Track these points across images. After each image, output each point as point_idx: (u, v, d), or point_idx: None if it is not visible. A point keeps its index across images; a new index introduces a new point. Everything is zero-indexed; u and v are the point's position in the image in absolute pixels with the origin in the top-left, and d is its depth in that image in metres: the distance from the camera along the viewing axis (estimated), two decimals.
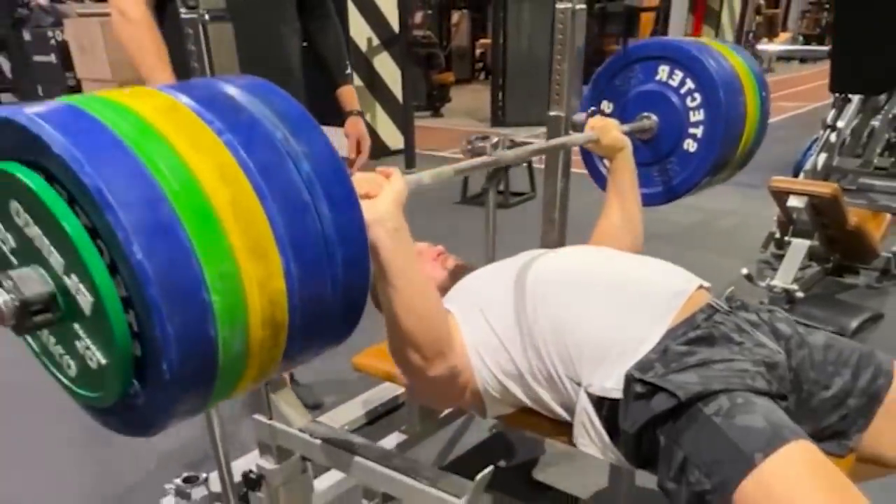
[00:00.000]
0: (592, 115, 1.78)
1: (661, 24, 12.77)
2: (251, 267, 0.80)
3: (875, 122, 4.21)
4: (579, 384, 1.31)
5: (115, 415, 0.89)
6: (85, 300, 0.76)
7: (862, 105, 4.09)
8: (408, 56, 7.27)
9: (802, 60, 15.71)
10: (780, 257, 3.59)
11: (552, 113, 1.99)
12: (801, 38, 16.95)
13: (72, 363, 0.86)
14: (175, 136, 0.78)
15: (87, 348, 0.82)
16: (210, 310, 0.77)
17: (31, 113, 0.75)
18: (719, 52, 1.85)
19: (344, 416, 2.37)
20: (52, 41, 7.16)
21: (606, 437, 1.28)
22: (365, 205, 1.12)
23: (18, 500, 2.34)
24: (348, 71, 2.55)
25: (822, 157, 3.97)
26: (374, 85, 7.34)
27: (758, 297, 3.18)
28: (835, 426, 1.34)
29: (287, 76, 2.28)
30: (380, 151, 7.51)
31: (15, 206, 0.78)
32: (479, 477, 1.32)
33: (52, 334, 0.87)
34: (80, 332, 0.81)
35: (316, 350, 0.96)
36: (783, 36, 15.83)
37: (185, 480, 2.02)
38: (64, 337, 0.84)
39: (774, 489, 1.03)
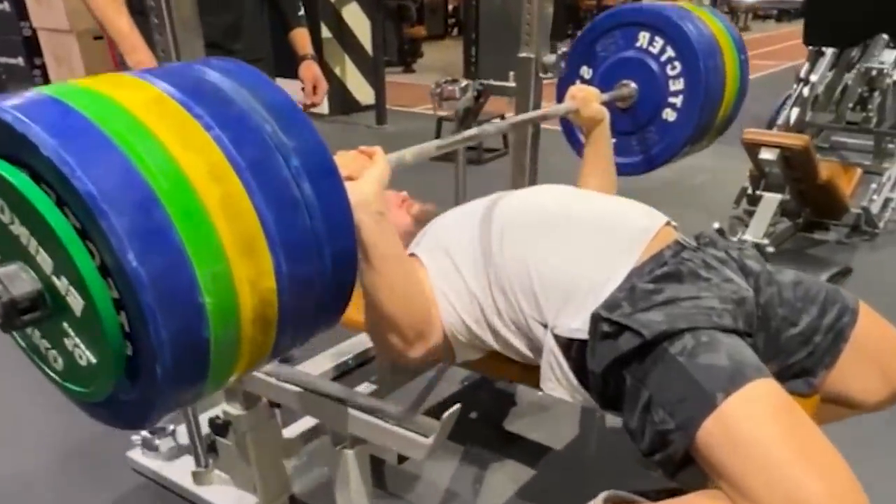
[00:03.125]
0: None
1: None
2: (242, 266, 0.79)
3: (849, 80, 4.23)
4: (545, 326, 1.29)
5: (104, 409, 0.89)
6: (75, 302, 0.76)
7: (836, 60, 4.11)
8: (378, 7, 7.09)
9: (778, 19, 15.69)
10: (752, 213, 3.63)
11: (522, 55, 1.97)
12: None
13: (59, 358, 0.86)
14: (165, 134, 0.76)
15: (77, 346, 0.81)
16: (203, 312, 0.76)
17: (15, 109, 0.73)
18: (700, 19, 1.84)
19: (313, 368, 2.38)
20: None
21: (574, 379, 1.27)
22: (349, 187, 1.12)
23: None
24: (301, 12, 2.49)
25: (795, 111, 4.00)
26: (343, 37, 7.16)
27: None
28: (802, 363, 1.34)
29: (242, 18, 2.25)
30: (350, 107, 7.36)
31: None
32: (445, 415, 1.32)
33: (39, 330, 0.86)
34: (69, 331, 0.80)
35: (303, 340, 0.97)
36: None
37: (152, 432, 2.03)
38: (52, 333, 0.84)
39: (735, 428, 1.02)
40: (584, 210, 1.40)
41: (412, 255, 1.42)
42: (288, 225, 0.83)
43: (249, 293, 0.81)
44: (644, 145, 1.91)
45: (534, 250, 1.31)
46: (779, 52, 11.23)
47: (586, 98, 1.67)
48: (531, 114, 1.58)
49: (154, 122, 0.77)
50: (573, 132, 2.01)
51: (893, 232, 3.94)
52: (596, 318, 1.20)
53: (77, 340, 0.81)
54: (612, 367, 1.17)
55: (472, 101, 2.05)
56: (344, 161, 1.15)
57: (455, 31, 13.68)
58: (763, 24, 15.58)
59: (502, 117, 5.47)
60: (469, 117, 2.20)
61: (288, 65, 2.41)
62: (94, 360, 0.80)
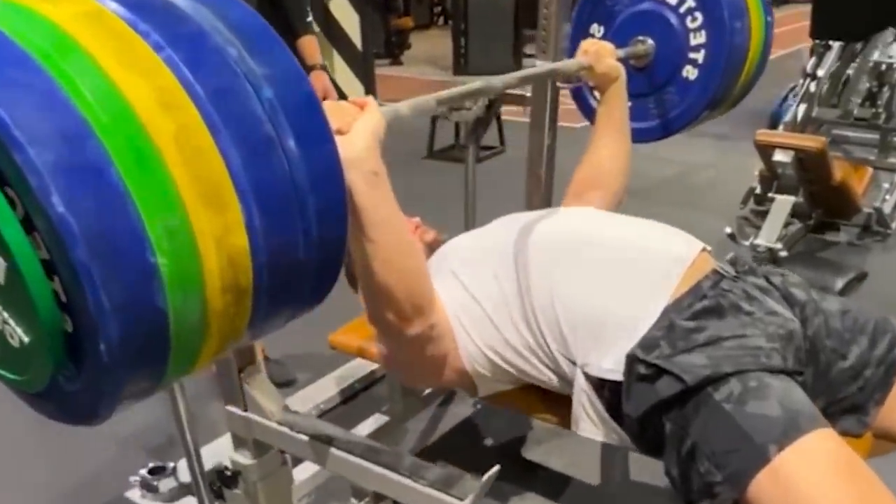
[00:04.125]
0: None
1: None
2: (205, 219, 0.64)
3: (850, 70, 4.08)
4: (574, 363, 1.20)
5: (49, 400, 0.74)
6: None
7: (840, 52, 3.97)
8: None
9: (776, 4, 15.49)
10: (759, 213, 3.46)
11: (538, 63, 1.81)
12: None
13: None
14: (101, 53, 0.61)
15: (6, 323, 0.66)
16: (156, 274, 0.61)
17: None
18: None
19: (319, 394, 2.26)
20: None
21: (609, 420, 1.18)
22: (338, 142, 0.96)
23: None
24: (309, 19, 2.31)
25: (803, 107, 3.84)
26: (331, 31, 6.95)
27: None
28: (852, 398, 1.24)
29: None
30: None
31: None
32: (484, 478, 1.21)
33: None
34: None
35: (287, 316, 0.82)
36: None
37: (152, 472, 1.87)
38: None
39: (790, 485, 0.95)
40: (612, 237, 1.29)
41: None
42: (261, 170, 0.68)
43: (216, 253, 0.66)
44: (661, 108, 1.75)
45: (558, 282, 1.21)
46: (775, 38, 11.01)
47: (599, 52, 1.51)
48: (541, 67, 1.43)
49: (88, 39, 0.62)
50: (584, 96, 1.86)
51: None
52: (632, 359, 1.12)
53: (5, 315, 0.66)
54: (651, 413, 1.10)
55: (483, 110, 1.91)
56: (333, 112, 0.99)
57: (441, 20, 13.43)
58: None
59: (498, 117, 5.27)
60: (480, 128, 2.06)
61: None
62: (26, 340, 0.65)
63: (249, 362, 1.52)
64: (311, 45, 2.27)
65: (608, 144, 1.59)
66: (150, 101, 0.61)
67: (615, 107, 1.58)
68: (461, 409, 2.33)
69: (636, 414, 1.11)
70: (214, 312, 0.69)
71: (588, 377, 1.18)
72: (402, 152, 5.17)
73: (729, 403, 1.02)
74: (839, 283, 3.11)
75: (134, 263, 0.60)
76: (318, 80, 2.26)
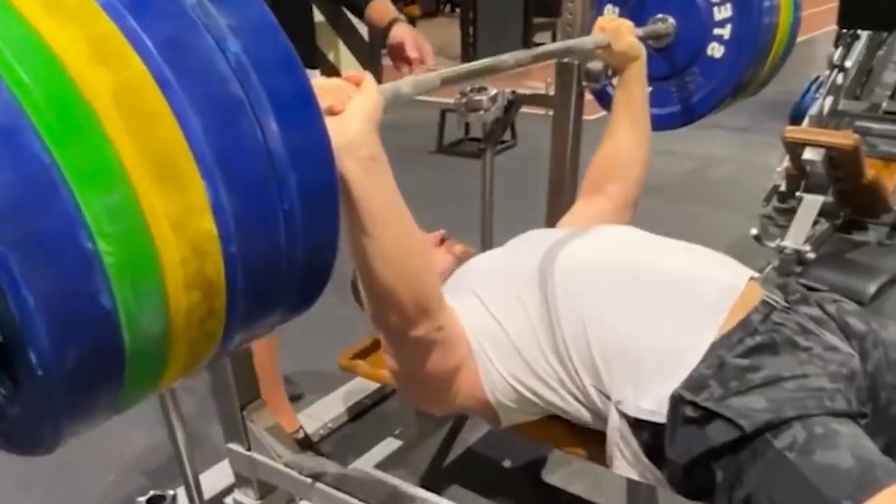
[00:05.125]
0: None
1: None
2: (158, 198, 0.53)
3: (875, 61, 3.93)
4: (609, 397, 1.08)
5: None
6: None
7: (868, 42, 3.81)
8: None
9: None
10: (783, 211, 3.31)
11: (564, 60, 1.69)
12: None
13: None
14: None
15: None
16: (96, 263, 0.50)
17: None
18: None
19: (327, 411, 2.16)
20: None
21: (646, 460, 1.06)
22: (330, 124, 0.85)
23: None
24: None
25: (829, 100, 3.69)
26: (337, 21, 6.84)
27: (765, 258, 2.93)
28: None
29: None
30: None
31: None
32: None
33: None
34: None
35: (272, 319, 0.70)
36: None
37: (151, 501, 1.75)
38: None
39: None
40: (654, 262, 1.16)
41: None
42: (226, 137, 0.56)
43: (175, 239, 0.54)
44: (685, 91, 1.62)
45: (589, 307, 1.09)
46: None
47: (619, 29, 1.39)
48: (553, 46, 1.31)
49: None
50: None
51: None
52: (677, 400, 1.00)
53: None
54: (699, 459, 0.98)
55: (501, 111, 1.79)
56: (323, 90, 0.87)
57: (448, 7, 13.29)
58: None
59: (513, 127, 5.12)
60: (498, 130, 1.94)
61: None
62: None
63: (253, 398, 1.40)
64: (384, 4, 1.91)
65: (628, 132, 1.46)
66: (81, 51, 0.50)
67: (635, 89, 1.45)
68: (478, 427, 2.19)
69: (682, 460, 1.00)
70: (178, 312, 0.57)
71: (624, 415, 1.06)
72: (410, 146, 4.93)
73: (792, 452, 0.91)
74: (871, 288, 2.94)
75: (65, 249, 0.48)
76: (406, 31, 1.86)
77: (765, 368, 0.98)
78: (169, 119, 0.53)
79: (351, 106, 0.87)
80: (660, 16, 1.59)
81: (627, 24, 1.41)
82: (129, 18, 0.52)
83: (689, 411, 0.98)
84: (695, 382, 0.99)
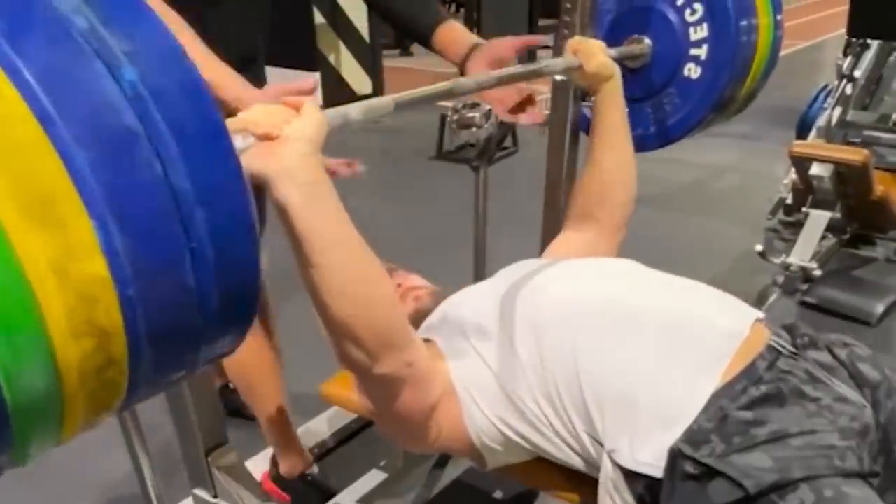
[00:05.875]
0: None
1: None
2: (35, 241, 0.48)
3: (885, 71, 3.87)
4: (602, 445, 1.02)
5: None
6: None
7: (878, 51, 3.77)
8: None
9: None
10: (789, 224, 3.22)
11: (559, 78, 1.58)
12: None
13: None
14: None
15: None
16: None
17: None
18: None
19: (310, 437, 2.07)
20: None
21: None
22: (264, 151, 0.80)
23: None
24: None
25: (837, 111, 3.64)
26: (338, 22, 6.75)
27: (769, 274, 2.87)
28: None
29: None
30: (345, 97, 6.87)
31: None
32: None
33: None
34: None
35: (192, 359, 0.65)
36: None
37: None
38: None
39: None
40: (652, 303, 1.09)
41: (426, 340, 1.14)
42: (118, 173, 0.52)
43: (56, 285, 0.49)
44: (660, 113, 1.58)
45: (582, 350, 1.03)
46: (794, 31, 10.45)
47: (590, 51, 1.34)
48: (517, 69, 1.25)
49: None
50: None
51: None
52: (675, 455, 0.94)
53: None
54: None
55: (494, 128, 1.72)
56: (259, 116, 0.83)
57: (452, 8, 13.24)
58: None
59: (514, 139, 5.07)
60: (492, 147, 1.87)
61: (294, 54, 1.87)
62: None
63: (219, 442, 1.34)
64: (458, 27, 1.51)
65: (608, 154, 1.40)
66: None
67: (612, 108, 1.40)
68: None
69: None
70: (68, 364, 0.52)
71: (618, 465, 0.99)
72: (410, 152, 4.88)
73: None
74: (879, 308, 2.88)
75: None
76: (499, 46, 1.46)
77: (770, 422, 0.93)
78: (48, 154, 0.48)
79: (286, 130, 0.82)
80: (635, 36, 1.55)
81: (598, 44, 1.37)
82: (3, 45, 0.48)
83: (689, 467, 0.92)
84: (695, 436, 0.94)
